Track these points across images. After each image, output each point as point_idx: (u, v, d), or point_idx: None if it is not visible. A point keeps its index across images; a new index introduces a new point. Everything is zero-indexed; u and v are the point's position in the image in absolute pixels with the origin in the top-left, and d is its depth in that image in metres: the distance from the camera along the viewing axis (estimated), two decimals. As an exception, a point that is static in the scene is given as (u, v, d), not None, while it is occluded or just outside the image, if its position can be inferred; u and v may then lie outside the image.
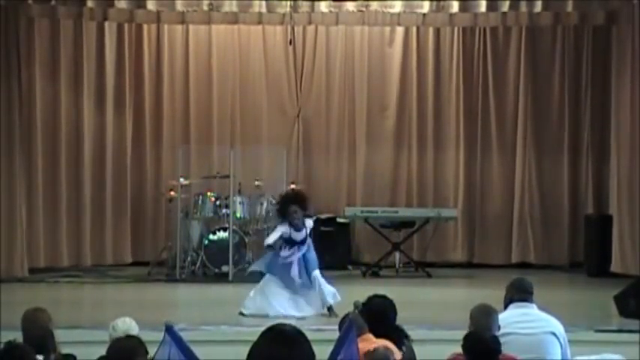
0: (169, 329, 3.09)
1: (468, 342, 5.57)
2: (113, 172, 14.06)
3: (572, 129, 14.61)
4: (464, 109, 14.76)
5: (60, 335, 5.66)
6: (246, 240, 13.11)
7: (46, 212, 13.37)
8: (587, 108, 14.54)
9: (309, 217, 10.43)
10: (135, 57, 14.37)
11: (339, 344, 3.04)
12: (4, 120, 12.72)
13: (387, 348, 5.62)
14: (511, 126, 14.73)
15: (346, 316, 6.05)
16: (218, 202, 13.15)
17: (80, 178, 13.74)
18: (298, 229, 10.18)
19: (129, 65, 14.24)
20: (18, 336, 5.38)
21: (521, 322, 6.49)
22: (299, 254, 10.13)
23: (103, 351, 5.84)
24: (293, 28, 14.18)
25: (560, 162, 14.61)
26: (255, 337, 3.08)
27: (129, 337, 5.50)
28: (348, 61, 14.84)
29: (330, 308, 10.00)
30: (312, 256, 10.28)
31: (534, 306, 6.66)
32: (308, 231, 10.29)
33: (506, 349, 5.93)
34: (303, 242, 10.22)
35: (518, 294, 6.67)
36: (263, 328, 3.11)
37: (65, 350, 5.86)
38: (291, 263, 10.12)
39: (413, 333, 6.54)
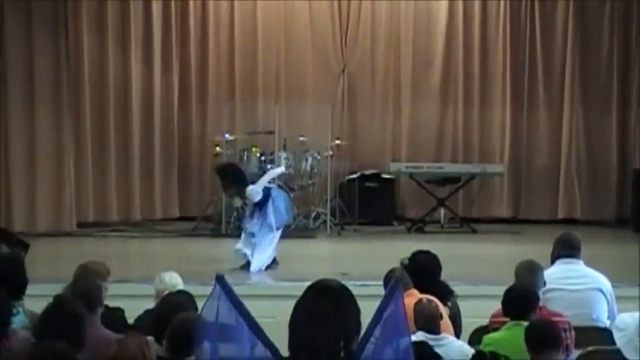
0: (220, 279, 3.08)
1: (505, 295, 5.60)
2: (161, 127, 14.11)
3: (621, 83, 14.42)
4: (510, 63, 14.60)
5: (108, 289, 5.73)
6: (291, 195, 13.14)
7: (95, 168, 13.48)
8: (636, 62, 14.33)
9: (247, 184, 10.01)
10: (181, 13, 14.35)
11: (386, 301, 3.04)
12: (53, 76, 12.82)
13: (430, 301, 5.64)
14: (558, 80, 14.56)
15: (391, 271, 6.07)
16: (263, 158, 13.18)
17: (128, 133, 13.81)
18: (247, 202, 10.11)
19: (175, 21, 14.22)
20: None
21: (567, 278, 6.47)
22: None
23: (150, 304, 5.92)
24: (338, -18, 14.10)
25: (608, 116, 14.44)
26: (299, 292, 3.10)
27: (179, 292, 5.56)
28: (393, 16, 14.71)
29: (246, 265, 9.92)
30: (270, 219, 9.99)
31: (581, 262, 6.63)
32: (250, 200, 9.96)
33: (552, 305, 5.93)
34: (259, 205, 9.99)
35: (565, 250, 6.64)
36: (308, 284, 3.12)
37: (113, 304, 5.94)
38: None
39: (457, 289, 6.55)
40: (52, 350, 3.99)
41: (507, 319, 5.61)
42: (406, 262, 6.24)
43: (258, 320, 3.07)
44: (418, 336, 5.22)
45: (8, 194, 12.61)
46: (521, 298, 5.54)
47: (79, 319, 4.42)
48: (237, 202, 10.87)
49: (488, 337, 5.55)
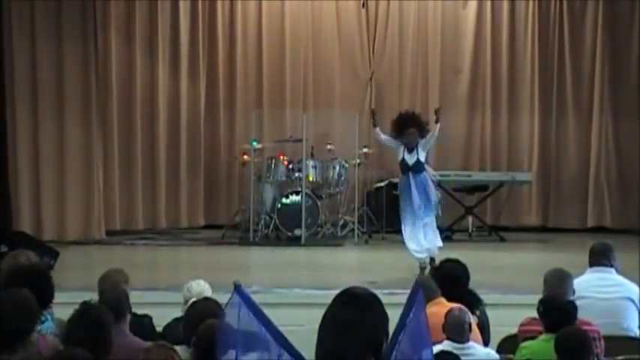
0: (238, 288, 3.08)
1: (544, 307, 5.53)
2: (187, 135, 14.16)
3: (651, 90, 14.31)
4: (539, 70, 14.53)
5: (135, 297, 5.74)
6: (319, 203, 13.14)
7: (123, 176, 13.55)
8: (666, 69, 14.22)
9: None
10: (209, 21, 14.40)
11: (408, 307, 3.02)
12: (81, 84, 12.92)
13: (461, 309, 5.61)
14: (587, 88, 14.47)
15: (418, 279, 6.05)
16: (291, 166, 13.19)
17: (155, 142, 13.87)
18: (410, 150, 10.23)
19: (202, 29, 14.27)
20: (95, 297, 5.46)
21: (597, 286, 6.43)
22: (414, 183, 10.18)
23: (177, 312, 5.92)
24: (366, -10, 14.08)
25: (638, 124, 14.32)
26: (327, 300, 3.09)
27: (206, 299, 5.55)
28: (421, 24, 14.69)
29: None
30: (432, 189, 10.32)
31: (613, 270, 6.58)
32: (422, 157, 10.30)
33: (581, 314, 5.87)
34: (417, 170, 10.22)
35: (597, 258, 6.60)
36: (335, 292, 3.11)
37: (141, 311, 5.94)
38: (409, 191, 10.17)
39: (486, 297, 6.51)
40: (71, 357, 3.99)
41: (538, 328, 5.56)
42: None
43: (285, 328, 3.06)
44: (444, 345, 5.18)
45: (38, 203, 12.71)
46: (562, 312, 5.47)
47: (105, 326, 4.42)
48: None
49: (524, 347, 5.49)
